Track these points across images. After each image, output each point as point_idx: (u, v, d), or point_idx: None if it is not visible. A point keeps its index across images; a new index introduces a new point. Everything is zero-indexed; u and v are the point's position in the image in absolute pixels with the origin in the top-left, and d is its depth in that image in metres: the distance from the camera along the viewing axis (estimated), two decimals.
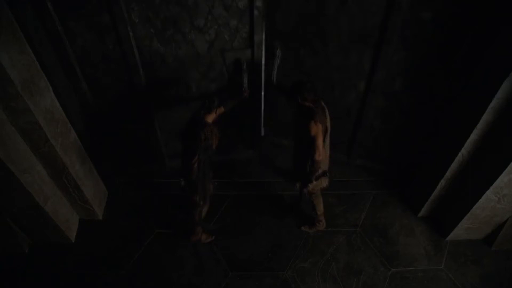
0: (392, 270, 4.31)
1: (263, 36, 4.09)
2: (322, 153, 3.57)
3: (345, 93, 4.49)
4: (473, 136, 3.61)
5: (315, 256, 4.44)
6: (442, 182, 4.19)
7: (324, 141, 3.61)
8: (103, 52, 3.82)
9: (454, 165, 3.96)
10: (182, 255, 4.43)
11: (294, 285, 4.20)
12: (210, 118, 3.60)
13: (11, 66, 3.06)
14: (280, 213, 4.80)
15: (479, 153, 3.75)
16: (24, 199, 3.74)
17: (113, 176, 5.03)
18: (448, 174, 4.07)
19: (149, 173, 5.15)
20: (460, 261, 4.39)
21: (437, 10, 3.54)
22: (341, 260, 4.40)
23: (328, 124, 3.68)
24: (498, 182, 3.65)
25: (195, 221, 4.23)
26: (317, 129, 3.49)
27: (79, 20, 3.57)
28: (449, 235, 4.46)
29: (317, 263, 4.36)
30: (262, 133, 5.21)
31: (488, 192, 3.78)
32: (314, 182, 3.82)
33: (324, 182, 3.98)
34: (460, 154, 3.82)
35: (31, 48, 3.33)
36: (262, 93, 4.64)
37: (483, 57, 3.46)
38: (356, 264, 4.37)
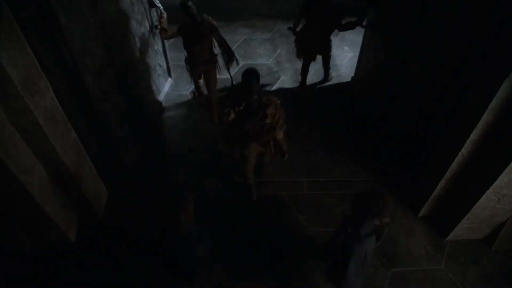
0: (392, 270, 4.30)
1: None
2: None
3: None
4: (473, 136, 3.60)
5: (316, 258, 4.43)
6: (442, 182, 4.18)
7: None
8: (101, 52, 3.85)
9: (454, 165, 3.95)
10: None
11: (294, 286, 4.19)
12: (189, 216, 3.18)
13: (11, 66, 3.06)
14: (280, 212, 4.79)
15: (479, 153, 3.74)
16: (24, 199, 3.74)
17: (113, 176, 5.02)
18: (448, 174, 4.06)
19: (150, 174, 5.14)
20: (460, 261, 4.38)
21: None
22: None
23: None
24: (498, 182, 3.65)
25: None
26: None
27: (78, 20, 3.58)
28: (449, 235, 4.45)
29: (317, 264, 4.35)
30: None
31: (488, 192, 3.78)
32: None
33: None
34: (460, 154, 3.81)
35: (31, 48, 3.33)
36: None
37: (483, 57, 3.45)
38: None
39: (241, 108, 3.82)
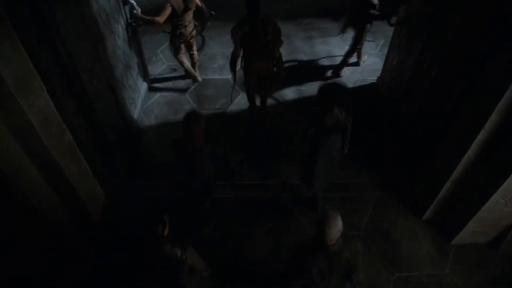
0: (396, 275, 4.20)
1: None
2: None
3: None
4: (480, 137, 3.51)
5: None
6: (448, 185, 4.09)
7: None
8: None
9: (460, 167, 3.86)
10: None
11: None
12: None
13: (3, 64, 2.95)
14: (281, 216, 4.69)
15: (486, 155, 3.64)
16: (18, 201, 3.63)
17: (109, 177, 4.91)
18: (453, 176, 3.97)
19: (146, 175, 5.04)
20: (465, 265, 4.28)
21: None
22: None
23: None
24: (505, 184, 3.56)
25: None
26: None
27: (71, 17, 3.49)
28: (454, 239, 4.36)
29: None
30: None
31: (495, 195, 3.69)
32: None
33: None
34: (466, 155, 3.72)
35: (24, 47, 3.22)
36: None
37: (491, 57, 3.36)
38: None
39: (247, 28, 4.71)
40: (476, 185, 3.90)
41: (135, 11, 5.37)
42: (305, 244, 3.11)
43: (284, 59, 6.81)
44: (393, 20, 5.51)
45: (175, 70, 6.66)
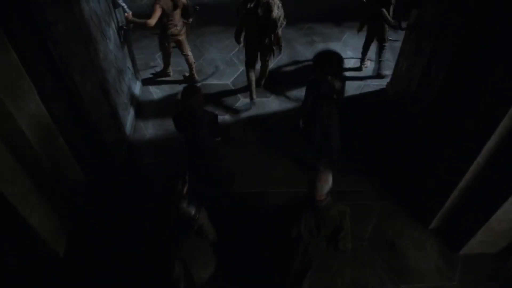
0: (402, 287, 4.04)
1: None
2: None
3: None
4: (491, 143, 3.36)
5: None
6: (455, 193, 3.95)
7: None
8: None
9: (468, 174, 3.72)
10: None
11: None
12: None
13: None
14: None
15: (497, 162, 3.50)
16: (7, 211, 3.47)
17: (105, 185, 4.75)
18: (462, 183, 3.83)
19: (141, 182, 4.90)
20: (474, 276, 4.12)
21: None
22: (347, 275, 4.13)
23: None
24: None
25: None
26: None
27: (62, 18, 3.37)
28: (462, 249, 4.20)
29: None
30: None
31: (506, 204, 3.53)
32: None
33: None
34: (475, 162, 3.58)
35: (14, 48, 3.09)
36: None
37: (500, 61, 3.24)
38: (363, 280, 4.10)
39: (252, 5, 5.05)
40: (485, 193, 3.75)
41: (126, 14, 5.29)
42: (295, 200, 3.21)
43: (285, 63, 6.80)
44: (404, 24, 5.41)
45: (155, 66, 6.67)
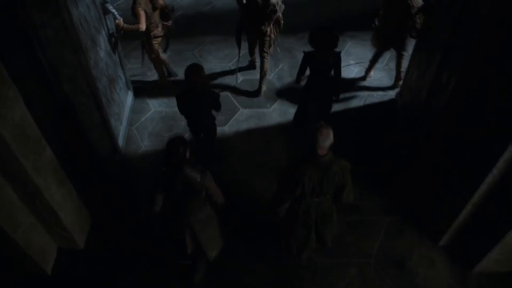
0: None
1: None
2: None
3: None
4: (508, 153, 3.15)
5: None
6: (468, 207, 3.73)
7: None
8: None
9: (483, 187, 3.50)
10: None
11: None
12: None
13: None
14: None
15: None
16: None
17: (98, 199, 4.53)
18: (475, 197, 3.60)
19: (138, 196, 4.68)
20: None
21: None
22: None
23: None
24: None
25: None
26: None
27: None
28: (475, 267, 3.97)
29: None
30: None
31: None
32: None
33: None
34: (491, 174, 3.36)
35: None
36: None
37: None
38: None
39: None
40: (501, 207, 3.53)
41: (117, 21, 5.13)
42: (297, 160, 3.25)
43: (286, 73, 6.64)
44: (414, 33, 5.23)
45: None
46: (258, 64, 6.49)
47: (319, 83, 4.72)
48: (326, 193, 3.29)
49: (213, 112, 4.60)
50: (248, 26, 5.64)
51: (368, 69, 6.32)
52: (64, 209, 3.86)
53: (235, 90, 6.26)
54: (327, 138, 2.98)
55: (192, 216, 3.37)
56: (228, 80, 6.46)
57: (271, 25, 5.53)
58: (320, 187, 3.19)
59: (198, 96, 4.21)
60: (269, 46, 5.79)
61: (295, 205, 3.43)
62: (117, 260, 4.18)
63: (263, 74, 6.10)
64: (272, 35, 5.69)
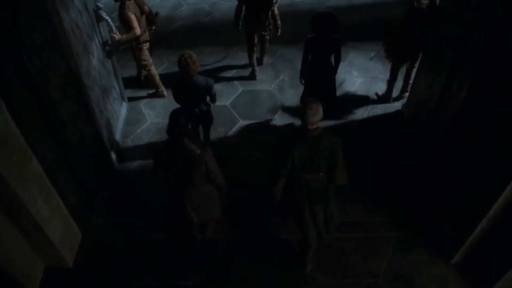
0: None
1: None
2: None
3: None
4: None
5: None
6: (484, 222, 3.52)
7: None
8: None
9: (500, 201, 3.29)
10: None
11: None
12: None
13: None
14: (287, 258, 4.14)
15: None
16: None
17: (88, 214, 4.30)
18: (492, 212, 3.39)
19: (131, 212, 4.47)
20: None
21: None
22: None
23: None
24: None
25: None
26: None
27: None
28: None
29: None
30: None
31: None
32: None
33: None
34: (508, 187, 3.13)
35: None
36: None
37: None
38: None
39: None
40: None
41: (112, 34, 5.07)
42: (288, 135, 3.45)
43: (286, 84, 6.49)
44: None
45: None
46: (258, 75, 6.45)
47: (321, 67, 5.06)
48: (318, 170, 3.35)
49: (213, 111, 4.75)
50: (247, 18, 5.84)
51: (389, 89, 6.01)
52: (51, 224, 3.64)
53: (234, 102, 6.08)
54: (317, 113, 3.08)
55: (191, 189, 3.49)
56: (227, 91, 6.29)
57: (270, 17, 5.78)
58: (311, 162, 3.27)
59: (192, 81, 4.32)
60: (269, 31, 6.06)
61: (288, 184, 3.48)
62: (108, 280, 3.97)
63: (264, 51, 6.51)
64: (271, 27, 5.97)
